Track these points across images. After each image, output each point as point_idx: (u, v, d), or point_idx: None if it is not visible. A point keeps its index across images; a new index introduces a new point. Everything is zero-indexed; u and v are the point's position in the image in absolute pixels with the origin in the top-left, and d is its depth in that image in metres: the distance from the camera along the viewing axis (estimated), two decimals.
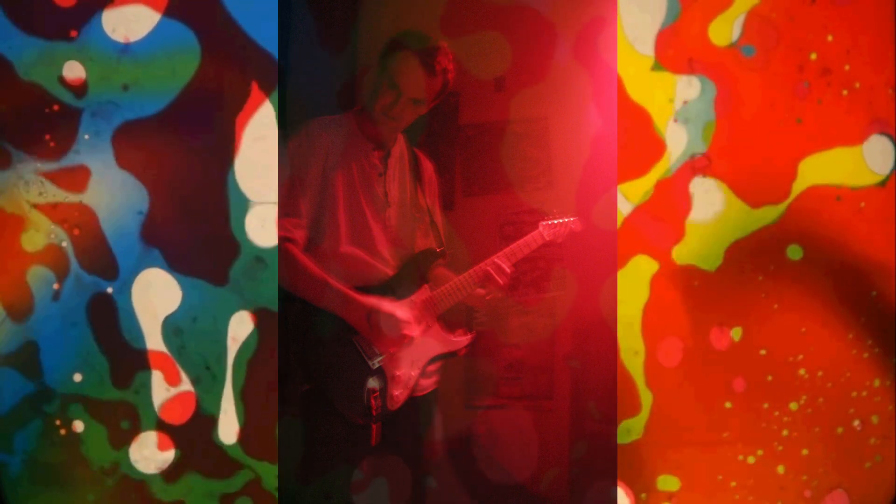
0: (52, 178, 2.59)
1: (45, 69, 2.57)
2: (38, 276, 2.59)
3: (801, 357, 2.62)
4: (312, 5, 4.16)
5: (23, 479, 2.60)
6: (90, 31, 2.59)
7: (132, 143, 2.61)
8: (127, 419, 2.62)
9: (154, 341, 2.63)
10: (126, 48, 2.60)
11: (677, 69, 2.62)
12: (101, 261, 2.61)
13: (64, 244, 2.60)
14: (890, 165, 2.62)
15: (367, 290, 3.07)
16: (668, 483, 2.64)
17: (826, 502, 2.62)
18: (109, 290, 2.61)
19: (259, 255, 2.64)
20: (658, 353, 2.64)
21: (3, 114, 2.57)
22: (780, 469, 2.63)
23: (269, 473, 2.66)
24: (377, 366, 3.04)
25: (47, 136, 2.59)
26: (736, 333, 2.63)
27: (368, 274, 3.11)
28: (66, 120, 2.59)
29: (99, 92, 2.59)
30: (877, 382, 2.62)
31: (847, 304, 2.61)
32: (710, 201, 2.63)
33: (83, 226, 2.61)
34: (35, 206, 2.59)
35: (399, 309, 3.08)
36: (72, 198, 2.60)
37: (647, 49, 2.62)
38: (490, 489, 4.15)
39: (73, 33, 2.57)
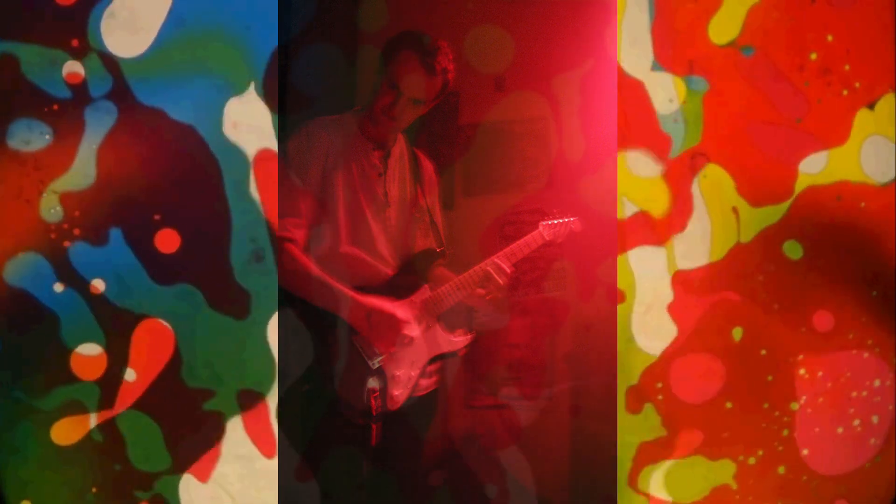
0: (52, 176, 2.59)
1: (46, 68, 2.57)
2: (39, 276, 2.59)
3: (801, 357, 2.62)
4: (313, 4, 4.16)
5: (23, 477, 2.60)
6: (91, 31, 2.59)
7: (134, 142, 2.61)
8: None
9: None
10: (126, 47, 2.60)
11: (677, 69, 2.62)
12: (103, 261, 2.61)
13: (65, 244, 2.60)
14: (890, 165, 2.62)
15: (367, 290, 3.07)
16: (668, 483, 2.64)
17: None
18: (111, 291, 2.62)
19: (258, 250, 2.64)
20: (658, 352, 2.64)
21: (3, 113, 2.57)
22: (781, 469, 2.63)
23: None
24: (377, 366, 3.04)
25: (47, 136, 2.59)
26: (736, 333, 2.63)
27: (368, 274, 3.11)
28: (67, 119, 2.59)
29: (100, 92, 2.60)
30: (877, 382, 2.62)
31: (847, 304, 2.61)
32: (709, 201, 2.63)
33: (84, 226, 2.61)
34: (30, 201, 2.59)
35: (399, 309, 3.08)
36: (72, 197, 2.60)
37: (648, 49, 2.62)
38: (490, 490, 4.15)
39: (76, 43, 2.58)
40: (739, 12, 2.61)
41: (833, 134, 2.61)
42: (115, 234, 2.61)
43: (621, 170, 2.64)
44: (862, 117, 2.60)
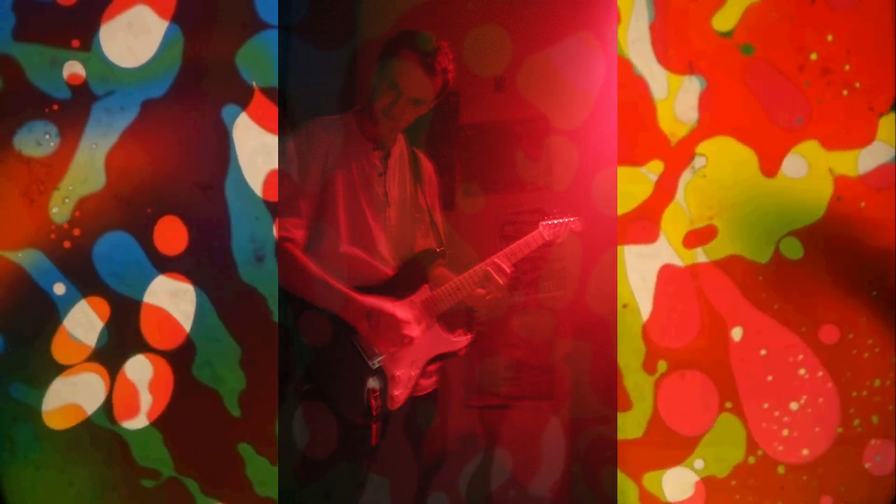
0: (52, 176, 2.59)
1: (46, 69, 2.58)
2: (38, 276, 2.59)
3: (801, 357, 2.62)
4: (312, 4, 4.16)
5: (22, 477, 2.60)
6: (91, 31, 2.59)
7: (134, 141, 2.61)
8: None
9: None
10: (127, 48, 2.60)
11: (677, 69, 2.62)
12: (105, 262, 2.61)
13: (66, 244, 2.60)
14: (890, 166, 2.62)
15: (367, 290, 3.07)
16: (668, 482, 2.64)
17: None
18: (112, 291, 2.62)
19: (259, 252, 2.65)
20: (658, 352, 2.64)
21: (5, 113, 2.58)
22: (780, 469, 2.63)
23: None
24: (377, 366, 3.04)
25: (47, 136, 2.59)
26: (736, 333, 2.63)
27: (368, 274, 3.11)
28: (67, 119, 2.59)
29: (100, 91, 2.60)
30: (877, 382, 2.62)
31: (847, 304, 2.61)
32: (709, 201, 2.63)
33: (84, 226, 2.61)
34: (34, 201, 2.59)
35: (399, 309, 3.08)
36: (72, 198, 2.60)
37: (647, 48, 2.62)
38: (490, 489, 4.15)
39: (76, 43, 2.58)
40: (739, 12, 2.61)
41: (833, 134, 2.61)
42: (116, 233, 2.62)
43: (621, 169, 2.65)
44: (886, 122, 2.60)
